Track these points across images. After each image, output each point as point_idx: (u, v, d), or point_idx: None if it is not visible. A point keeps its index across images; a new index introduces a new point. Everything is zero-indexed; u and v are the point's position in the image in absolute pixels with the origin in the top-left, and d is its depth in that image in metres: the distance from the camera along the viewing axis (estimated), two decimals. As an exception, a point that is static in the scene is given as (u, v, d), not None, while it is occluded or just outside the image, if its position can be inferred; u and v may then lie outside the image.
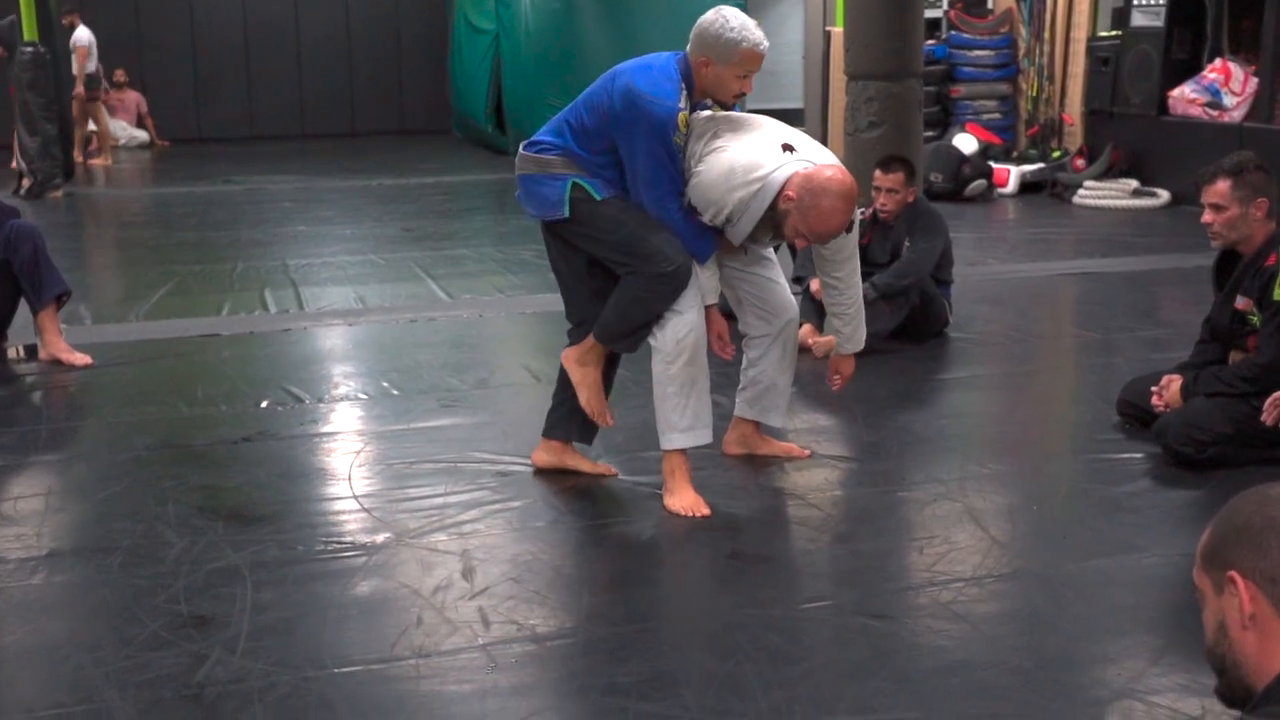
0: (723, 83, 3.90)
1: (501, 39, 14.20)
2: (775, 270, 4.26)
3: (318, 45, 17.96)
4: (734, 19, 3.88)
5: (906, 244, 5.96)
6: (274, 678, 2.97)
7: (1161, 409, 4.48)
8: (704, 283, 4.00)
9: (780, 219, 3.84)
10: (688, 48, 3.93)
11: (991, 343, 6.19)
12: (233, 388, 5.38)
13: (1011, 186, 11.04)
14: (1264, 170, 4.40)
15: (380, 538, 3.79)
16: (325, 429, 4.87)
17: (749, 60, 3.87)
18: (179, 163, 14.53)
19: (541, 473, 4.30)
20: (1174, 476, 4.25)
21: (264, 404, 5.15)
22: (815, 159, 3.85)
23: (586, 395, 4.12)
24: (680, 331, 3.94)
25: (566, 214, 3.92)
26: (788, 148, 3.86)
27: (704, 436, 4.05)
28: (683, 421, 3.99)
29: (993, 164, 11.13)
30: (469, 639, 3.15)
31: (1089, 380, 5.63)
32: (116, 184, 13.16)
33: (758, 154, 3.83)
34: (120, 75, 16.61)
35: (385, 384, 5.42)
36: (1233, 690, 1.63)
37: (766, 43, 3.93)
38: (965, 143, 11.17)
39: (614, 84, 3.88)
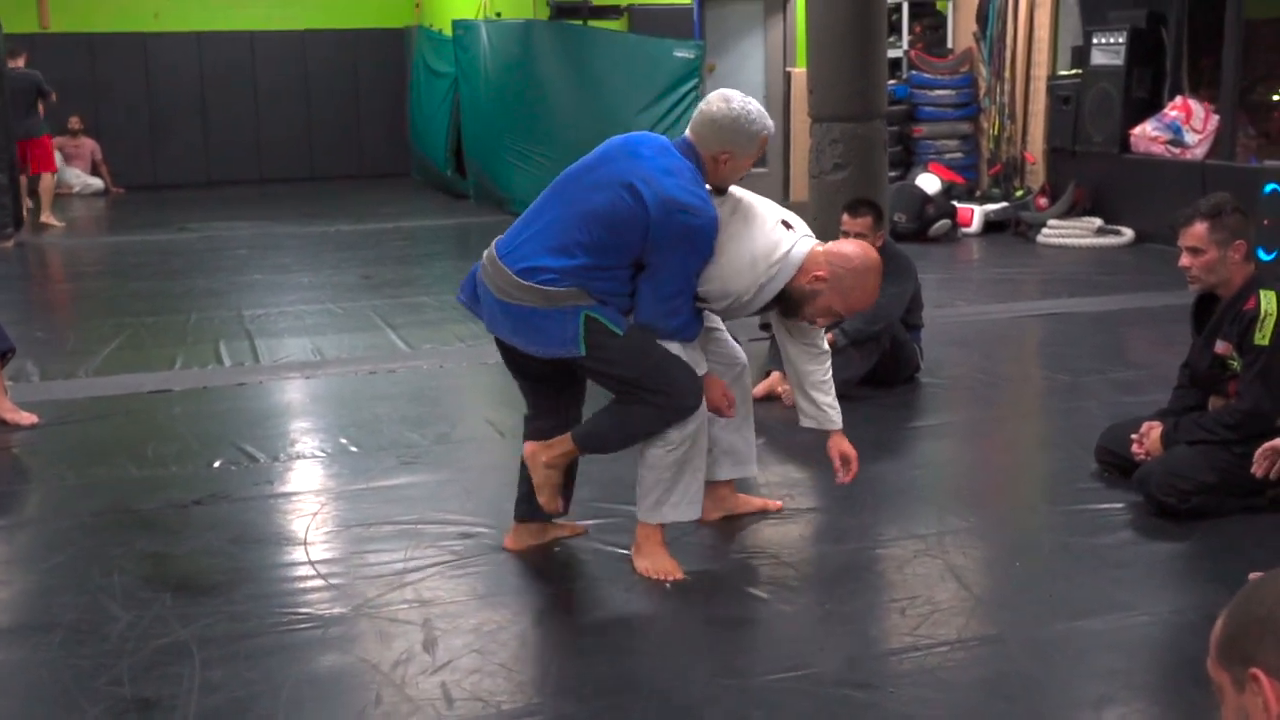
0: (738, 172, 3.72)
1: (460, 83, 14.09)
2: (715, 320, 4.03)
3: (275, 88, 17.78)
4: (750, 106, 3.67)
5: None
6: (223, 767, 2.79)
7: (1142, 457, 4.37)
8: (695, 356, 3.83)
9: (802, 298, 3.70)
10: (692, 138, 3.67)
11: (962, 387, 6.08)
12: (184, 447, 5.19)
13: (975, 226, 10.99)
14: (1241, 212, 4.32)
15: (337, 608, 3.62)
16: (280, 489, 4.69)
17: (764, 145, 3.73)
18: (134, 210, 14.31)
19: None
20: (1158, 527, 4.13)
21: (217, 464, 4.96)
22: (810, 233, 3.78)
23: (546, 497, 3.83)
24: (689, 426, 3.69)
25: (582, 352, 3.57)
26: (786, 224, 3.73)
27: (694, 512, 3.85)
28: (672, 498, 3.78)
29: (956, 203, 11.09)
30: (431, 718, 2.99)
31: (1062, 425, 5.53)
32: (70, 233, 12.93)
33: (770, 237, 3.66)
34: (75, 122, 16.37)
35: (343, 440, 5.25)
36: None
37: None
38: (928, 182, 11.13)
39: (640, 193, 3.50)
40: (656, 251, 3.54)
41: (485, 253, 3.71)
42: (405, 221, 12.83)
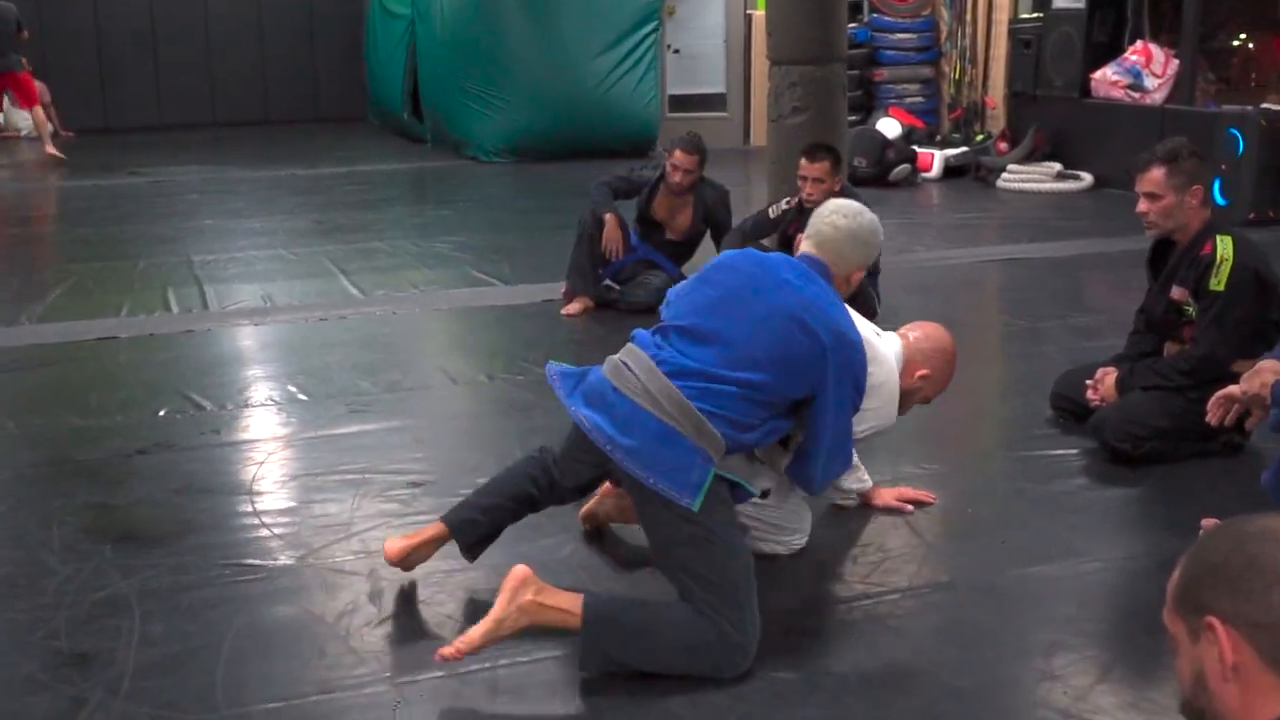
0: (853, 286, 3.37)
1: (417, 24, 13.85)
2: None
3: (228, 30, 17.42)
4: (873, 219, 3.34)
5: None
6: (160, 723, 2.72)
7: (1097, 403, 4.35)
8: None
9: (904, 399, 3.57)
10: (827, 258, 3.23)
11: (920, 333, 6.04)
12: (129, 395, 5.09)
13: (935, 171, 10.94)
14: (1198, 156, 4.27)
15: (282, 559, 3.55)
16: (227, 438, 4.60)
17: None
18: (84, 154, 14.02)
19: (457, 482, 4.07)
20: (1111, 473, 4.12)
21: (162, 413, 4.86)
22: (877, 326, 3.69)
23: (483, 632, 2.89)
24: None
25: (695, 509, 2.92)
26: (876, 333, 3.60)
27: None
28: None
29: (916, 148, 11.02)
30: (375, 672, 2.93)
31: (1020, 371, 5.51)
32: (16, 177, 12.67)
33: (878, 352, 3.45)
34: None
35: (292, 388, 5.15)
36: None
37: None
38: (889, 127, 11.06)
39: (813, 329, 3.02)
40: (829, 391, 3.05)
41: (626, 351, 3.16)
42: (360, 166, 12.65)
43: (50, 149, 13.00)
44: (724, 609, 2.87)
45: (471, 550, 3.36)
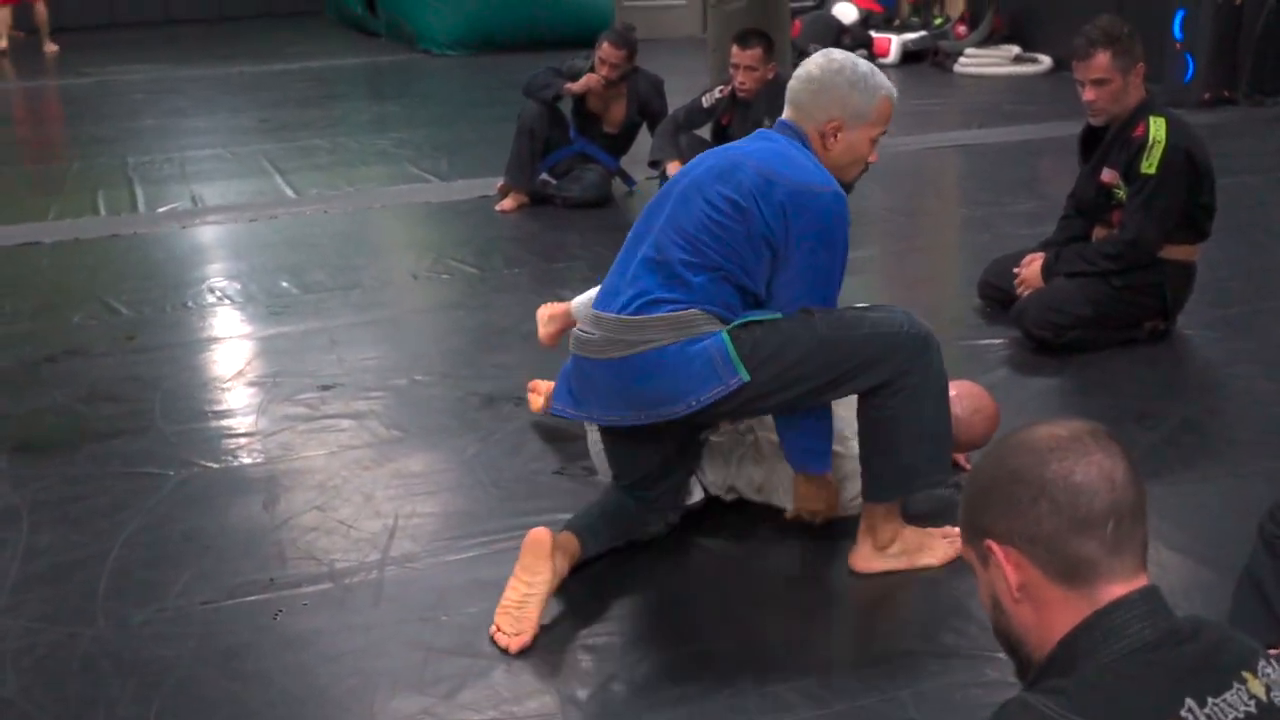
0: (855, 153, 2.89)
1: (369, -87, 13.49)
2: None
3: (180, -77, 16.94)
4: (860, 63, 2.90)
5: (767, 123, 5.65)
6: (35, 637, 2.67)
7: (1022, 291, 4.27)
8: None
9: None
10: (790, 113, 2.88)
11: (869, 222, 5.92)
12: (45, 301, 4.98)
13: (893, 56, 10.72)
14: (1134, 34, 4.13)
15: (180, 468, 3.48)
16: (141, 345, 4.50)
17: (886, 114, 2.91)
18: (29, 53, 13.68)
19: (367, 385, 4.00)
20: (1033, 362, 4.06)
21: (77, 319, 4.76)
22: None
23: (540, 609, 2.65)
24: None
25: (747, 376, 2.69)
26: None
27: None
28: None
29: (873, 33, 10.80)
30: (260, 580, 2.88)
31: (961, 260, 5.43)
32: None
33: None
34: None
35: (213, 292, 5.05)
36: (1026, 670, 1.40)
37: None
38: (845, 12, 10.83)
39: (745, 186, 2.72)
40: (789, 258, 2.74)
41: (575, 331, 2.92)
42: (313, 62, 12.37)
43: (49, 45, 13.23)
44: (882, 356, 2.71)
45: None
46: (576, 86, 5.98)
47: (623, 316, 2.75)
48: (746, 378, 2.67)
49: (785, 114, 2.91)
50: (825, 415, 2.87)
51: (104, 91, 10.91)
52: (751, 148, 2.85)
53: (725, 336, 2.69)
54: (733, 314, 2.74)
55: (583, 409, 2.90)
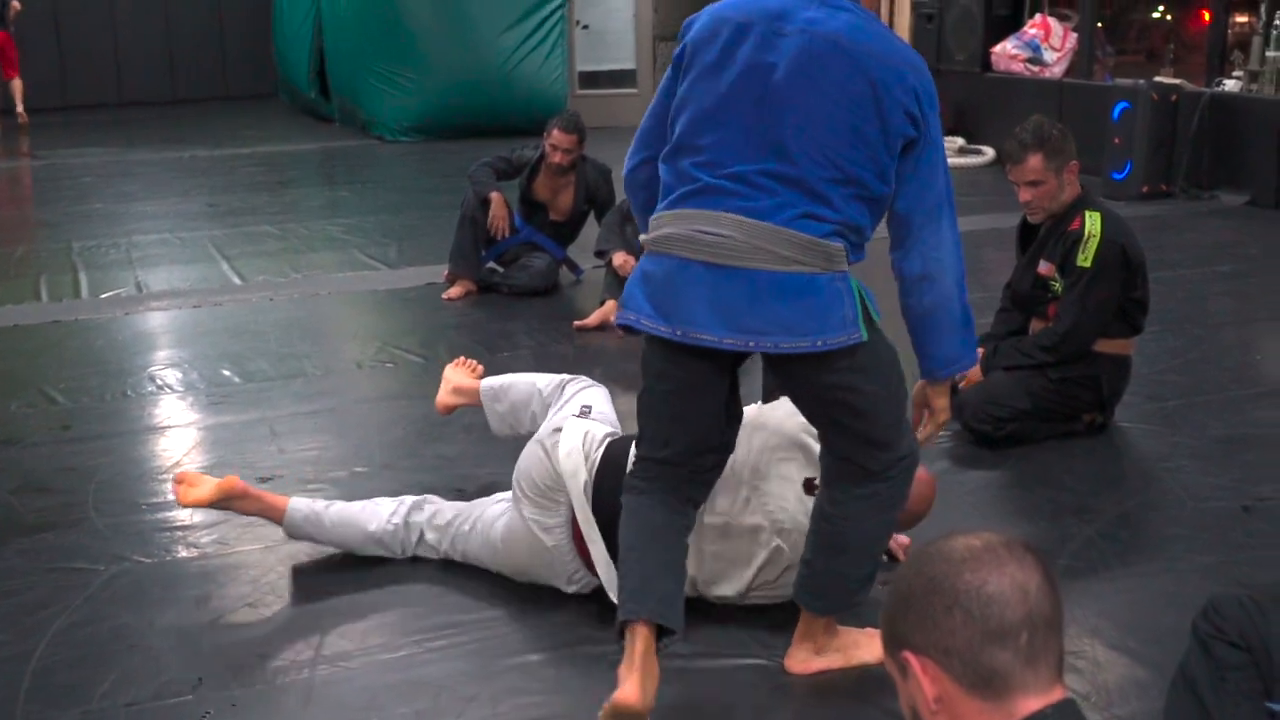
0: None
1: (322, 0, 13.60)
2: None
3: (133, 6, 17.03)
4: None
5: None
6: (-49, 742, 2.60)
7: (963, 385, 4.31)
8: None
9: None
10: None
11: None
12: (-19, 390, 4.92)
13: (841, 146, 10.89)
14: (1064, 132, 4.23)
15: (111, 561, 3.42)
16: (77, 434, 4.44)
17: None
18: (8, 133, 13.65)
19: (306, 477, 3.96)
20: (973, 456, 4.09)
21: (13, 407, 4.70)
22: None
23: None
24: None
25: (865, 336, 2.53)
26: None
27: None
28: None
29: (822, 124, 10.97)
30: (188, 684, 2.82)
31: (900, 350, 5.45)
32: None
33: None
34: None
35: (154, 380, 5.00)
36: None
37: None
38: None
39: (897, 85, 2.48)
40: (924, 147, 2.55)
41: (684, 230, 2.54)
42: (265, 147, 12.39)
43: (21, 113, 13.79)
44: (897, 443, 2.61)
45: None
46: (491, 221, 6.08)
47: (779, 227, 2.48)
48: (865, 338, 2.52)
49: None
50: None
51: (54, 174, 10.87)
52: (837, 23, 2.51)
53: (857, 291, 2.54)
54: (863, 241, 2.57)
55: (673, 323, 2.54)
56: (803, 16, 2.52)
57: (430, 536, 3.31)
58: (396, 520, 3.32)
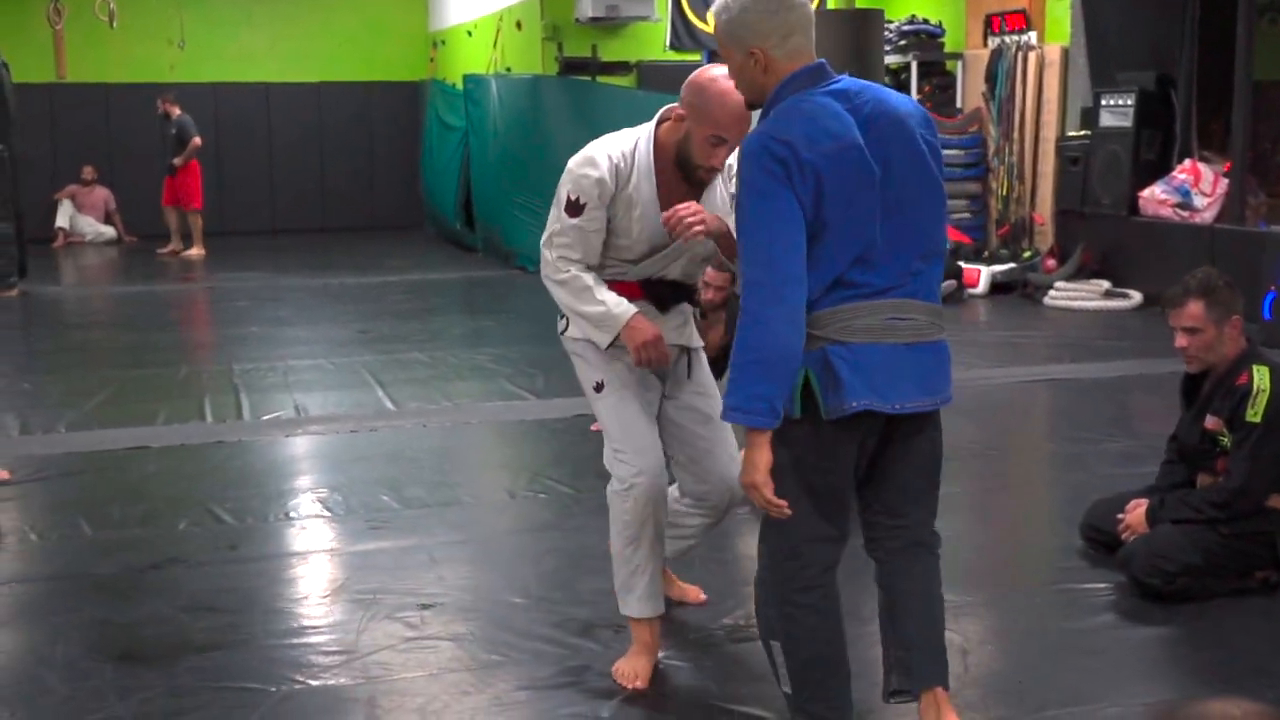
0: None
1: (470, 136, 14.09)
2: (714, 428, 3.57)
3: (289, 140, 17.83)
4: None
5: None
6: None
7: (1127, 535, 4.22)
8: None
9: (685, 151, 3.31)
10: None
11: (960, 458, 5.89)
12: (151, 508, 5.09)
13: (982, 287, 10.86)
14: (1230, 285, 4.19)
15: (282, 684, 3.48)
16: (243, 555, 4.57)
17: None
18: (143, 260, 14.31)
19: (465, 605, 4.01)
20: (1140, 610, 3.97)
21: (182, 526, 4.86)
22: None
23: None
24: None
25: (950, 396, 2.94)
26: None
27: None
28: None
29: (963, 264, 10.96)
30: (359, 808, 2.85)
31: (1057, 499, 5.37)
32: (76, 282, 12.92)
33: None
34: (89, 172, 16.54)
35: (314, 503, 5.14)
36: None
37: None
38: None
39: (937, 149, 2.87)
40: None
41: (879, 320, 2.76)
42: (411, 275, 12.78)
43: (197, 248, 14.71)
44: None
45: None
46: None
47: (932, 304, 2.86)
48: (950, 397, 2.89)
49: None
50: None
51: (209, 298, 11.35)
52: (890, 98, 2.81)
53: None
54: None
55: (891, 399, 2.77)
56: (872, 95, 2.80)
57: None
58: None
